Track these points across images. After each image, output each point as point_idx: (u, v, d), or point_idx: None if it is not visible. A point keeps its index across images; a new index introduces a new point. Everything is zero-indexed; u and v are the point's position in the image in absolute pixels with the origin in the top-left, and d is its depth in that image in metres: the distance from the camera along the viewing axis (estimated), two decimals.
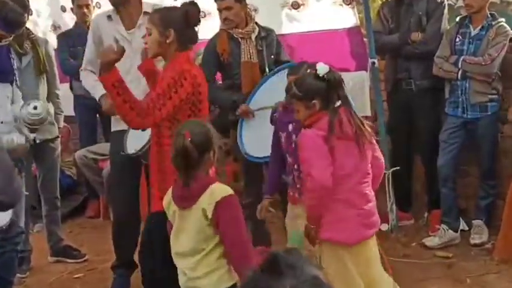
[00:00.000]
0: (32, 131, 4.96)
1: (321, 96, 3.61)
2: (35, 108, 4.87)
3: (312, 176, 3.53)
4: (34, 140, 5.07)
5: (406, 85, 6.01)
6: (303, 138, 3.67)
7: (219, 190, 3.22)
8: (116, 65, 3.74)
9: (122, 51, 3.77)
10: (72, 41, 6.89)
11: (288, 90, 3.78)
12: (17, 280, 4.76)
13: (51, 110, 5.62)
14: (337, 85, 3.66)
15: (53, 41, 6.71)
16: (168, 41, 3.88)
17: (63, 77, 6.40)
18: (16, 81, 5.04)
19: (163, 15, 3.93)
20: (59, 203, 5.96)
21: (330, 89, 3.62)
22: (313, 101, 3.61)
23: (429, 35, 5.88)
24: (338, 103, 3.63)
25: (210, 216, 3.15)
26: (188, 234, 3.27)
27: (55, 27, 7.55)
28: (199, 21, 4.04)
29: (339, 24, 6.06)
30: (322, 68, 3.64)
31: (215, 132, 3.37)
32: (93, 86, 4.88)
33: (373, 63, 5.88)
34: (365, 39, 6.01)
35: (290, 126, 4.29)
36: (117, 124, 4.86)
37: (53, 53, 5.88)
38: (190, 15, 3.93)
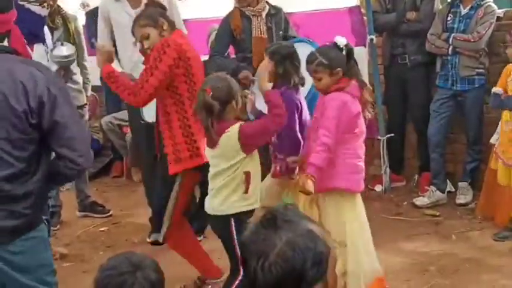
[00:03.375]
0: (65, 71, 5.06)
1: (342, 65, 3.69)
2: (62, 44, 4.95)
3: (331, 132, 3.58)
4: None
5: (401, 60, 5.96)
6: (332, 99, 3.67)
7: (236, 126, 3.42)
8: (126, 43, 3.91)
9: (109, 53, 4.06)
10: None
11: (312, 60, 3.74)
12: None
13: (80, 79, 5.60)
14: (353, 56, 3.77)
15: (81, 18, 6.66)
16: (164, 28, 3.97)
17: (91, 51, 6.35)
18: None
19: (148, 15, 4.02)
20: None
21: (349, 59, 3.73)
22: (338, 69, 3.67)
23: (423, 14, 5.84)
24: (359, 71, 3.80)
25: (230, 145, 3.41)
26: (214, 165, 3.54)
27: (84, 5, 7.49)
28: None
29: (340, 4, 6.01)
30: (341, 40, 3.73)
31: (236, 84, 3.53)
32: None
33: (372, 39, 5.90)
34: (364, 18, 5.96)
35: None
36: None
37: (81, 29, 5.85)
38: (157, 3, 4.21)
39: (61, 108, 2.57)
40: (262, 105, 4.95)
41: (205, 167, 3.71)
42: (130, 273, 2.07)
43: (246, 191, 3.51)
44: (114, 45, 5.02)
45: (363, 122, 3.76)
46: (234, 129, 3.42)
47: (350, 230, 3.73)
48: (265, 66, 3.89)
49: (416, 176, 6.26)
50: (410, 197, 5.89)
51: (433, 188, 5.75)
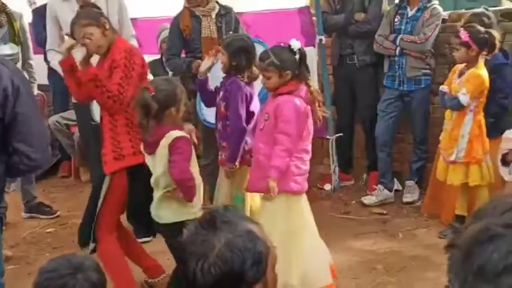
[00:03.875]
0: None
1: (293, 67, 3.71)
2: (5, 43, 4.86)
3: (291, 136, 3.64)
4: None
5: (349, 60, 6.02)
6: (286, 103, 3.69)
7: (174, 133, 3.41)
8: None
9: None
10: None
11: (264, 58, 3.76)
12: None
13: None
14: (305, 60, 3.80)
15: (28, 16, 6.53)
16: (107, 28, 3.89)
17: (37, 49, 6.23)
18: None
19: (89, 15, 3.93)
20: None
21: (301, 64, 3.75)
22: (287, 72, 3.69)
23: (371, 15, 5.90)
24: (309, 75, 3.82)
25: (165, 157, 3.41)
26: (156, 173, 3.53)
27: (31, 2, 7.35)
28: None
29: (290, 4, 6.03)
30: (295, 44, 3.75)
31: (182, 93, 3.50)
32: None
33: (321, 40, 5.93)
34: (314, 18, 5.99)
35: (220, 95, 4.27)
36: None
37: (27, 27, 5.74)
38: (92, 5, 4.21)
39: (23, 100, 2.53)
40: (210, 115, 4.99)
41: (139, 169, 3.72)
42: (70, 275, 2.04)
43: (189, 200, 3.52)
44: None
45: (311, 124, 3.81)
46: (168, 138, 3.42)
47: (295, 229, 3.77)
48: (208, 61, 4.00)
49: (364, 175, 6.33)
50: (359, 196, 5.95)
51: (380, 186, 5.82)
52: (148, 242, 4.67)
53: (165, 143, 3.42)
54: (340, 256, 4.62)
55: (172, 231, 3.47)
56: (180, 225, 3.40)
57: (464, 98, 4.67)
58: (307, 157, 3.85)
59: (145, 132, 3.47)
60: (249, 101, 4.15)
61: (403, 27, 5.68)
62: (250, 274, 1.45)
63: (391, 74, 5.75)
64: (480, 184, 4.82)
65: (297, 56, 3.73)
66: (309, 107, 3.75)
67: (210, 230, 1.46)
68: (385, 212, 5.60)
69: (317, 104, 3.78)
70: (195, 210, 3.51)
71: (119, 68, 3.81)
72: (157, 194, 3.58)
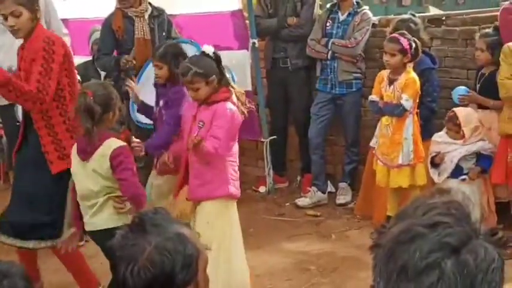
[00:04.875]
0: None
1: (215, 71, 3.70)
2: None
3: (219, 145, 3.62)
4: None
5: (282, 63, 6.07)
6: (224, 109, 3.68)
7: (113, 143, 3.38)
8: None
9: None
10: None
11: (186, 71, 3.71)
12: None
13: None
14: (221, 63, 3.78)
15: None
16: (38, 16, 3.79)
17: None
18: None
19: None
20: None
21: (219, 66, 3.74)
22: (212, 77, 3.66)
23: (303, 19, 5.96)
24: (230, 79, 3.83)
25: (105, 166, 3.36)
26: (88, 181, 3.46)
27: None
28: None
29: (223, 7, 6.03)
30: (208, 48, 3.75)
31: (117, 96, 3.50)
32: None
33: (254, 43, 5.96)
34: (247, 22, 6.02)
35: (161, 102, 4.26)
36: (3, 99, 4.66)
37: None
38: None
39: None
40: (147, 98, 4.95)
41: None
42: None
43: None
44: None
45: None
46: (107, 148, 3.38)
47: (227, 235, 3.78)
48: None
49: (298, 177, 6.38)
50: (293, 198, 6.00)
51: (314, 188, 5.88)
52: (81, 246, 4.60)
53: (103, 152, 3.38)
54: (273, 258, 4.66)
55: (108, 238, 3.41)
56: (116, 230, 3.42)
57: (407, 104, 4.78)
58: (237, 162, 3.89)
59: (91, 138, 3.38)
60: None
61: (334, 32, 5.77)
62: (181, 277, 1.45)
63: (323, 77, 5.83)
64: (413, 185, 4.92)
65: (213, 60, 3.73)
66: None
67: (139, 233, 1.46)
68: (318, 213, 5.66)
69: (240, 104, 3.79)
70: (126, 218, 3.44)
71: (37, 61, 3.69)
72: (91, 203, 3.50)
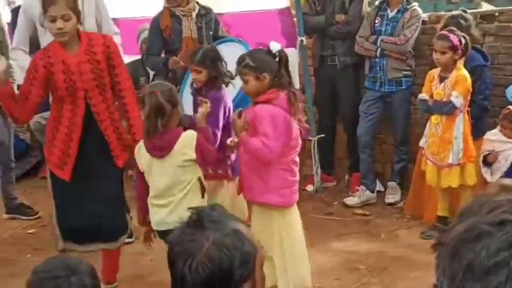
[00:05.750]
0: None
1: (271, 71, 3.60)
2: None
3: (269, 148, 3.51)
4: None
5: (330, 61, 6.03)
6: (262, 112, 3.58)
7: (189, 134, 3.55)
8: None
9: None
10: None
11: (240, 61, 3.70)
12: None
13: None
14: (286, 63, 3.68)
15: (6, 14, 6.48)
16: (80, 22, 3.89)
17: None
18: None
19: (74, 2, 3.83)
20: (14, 165, 5.85)
21: (280, 66, 3.63)
22: (264, 74, 3.58)
23: (351, 16, 5.92)
24: (290, 82, 3.70)
25: (193, 155, 3.52)
26: (165, 177, 3.58)
27: (9, 2, 7.28)
28: None
29: (271, 5, 6.04)
30: (274, 46, 3.66)
31: (176, 90, 3.67)
32: (24, 66, 4.73)
33: (302, 41, 5.93)
34: (294, 20, 6.00)
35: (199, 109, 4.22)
36: None
37: (5, 26, 5.68)
38: None
39: None
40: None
41: None
42: (64, 277, 2.02)
43: (203, 196, 3.59)
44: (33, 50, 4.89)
45: (297, 135, 3.69)
46: (189, 138, 3.51)
47: (279, 243, 3.69)
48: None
49: (346, 176, 6.34)
50: (341, 197, 5.97)
51: (363, 187, 5.84)
52: (131, 243, 4.66)
53: (183, 144, 3.53)
54: (322, 257, 4.64)
55: None
56: None
57: (457, 101, 4.72)
58: (294, 169, 3.75)
59: (165, 135, 3.52)
60: (228, 113, 4.14)
61: (383, 29, 5.71)
62: (239, 273, 1.45)
63: (372, 75, 5.79)
64: (464, 185, 4.85)
65: (277, 59, 3.63)
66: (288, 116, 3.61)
67: (197, 229, 1.46)
68: (367, 213, 5.62)
69: (294, 110, 3.62)
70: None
71: (119, 57, 3.96)
72: (171, 199, 3.61)
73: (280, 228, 3.71)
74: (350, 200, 5.83)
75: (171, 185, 3.57)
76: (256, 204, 3.77)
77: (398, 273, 4.46)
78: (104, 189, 3.96)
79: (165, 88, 3.57)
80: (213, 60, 4.16)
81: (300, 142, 3.78)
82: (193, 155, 3.54)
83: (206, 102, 3.81)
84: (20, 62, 4.87)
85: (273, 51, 3.64)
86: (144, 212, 3.76)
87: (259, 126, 3.56)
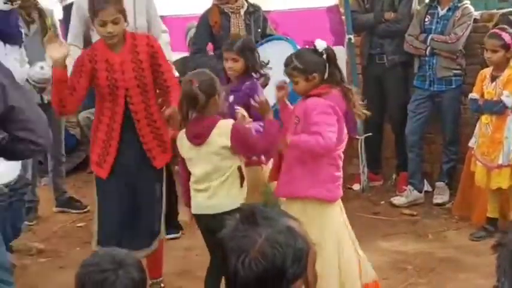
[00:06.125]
0: (40, 90, 4.90)
1: (320, 70, 3.57)
2: (42, 68, 4.78)
3: (323, 137, 3.42)
4: (42, 100, 5.03)
5: (379, 60, 5.98)
6: (314, 104, 3.52)
7: (226, 123, 3.54)
8: None
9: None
10: None
11: (288, 63, 3.65)
12: (25, 227, 4.74)
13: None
14: (334, 60, 3.64)
15: (58, 11, 6.58)
16: (125, 25, 3.90)
17: None
18: (24, 46, 4.90)
19: (120, 2, 3.85)
20: (64, 159, 5.95)
21: (329, 64, 3.59)
22: (314, 74, 3.56)
23: (401, 14, 5.86)
24: (341, 78, 3.67)
25: (228, 143, 3.51)
26: (203, 164, 3.59)
27: None
28: None
29: (319, 3, 6.02)
30: (320, 44, 3.61)
31: (218, 80, 3.63)
32: None
33: (350, 39, 5.91)
34: (343, 17, 5.97)
35: (231, 98, 4.12)
36: None
37: (58, 23, 5.78)
38: None
39: (12, 94, 2.56)
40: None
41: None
42: (112, 270, 2.04)
43: (241, 185, 3.58)
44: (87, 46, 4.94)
45: (344, 131, 3.64)
46: (225, 126, 3.51)
47: (327, 237, 3.59)
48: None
49: (394, 176, 6.28)
50: (388, 196, 5.92)
51: (410, 187, 5.77)
52: (177, 238, 4.70)
53: (218, 132, 3.52)
54: (369, 256, 4.56)
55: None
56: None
57: (508, 100, 4.65)
58: (339, 164, 3.68)
59: (186, 124, 3.57)
60: None
61: (433, 27, 5.64)
62: (291, 271, 1.44)
63: (421, 74, 5.71)
64: None
65: (324, 57, 3.57)
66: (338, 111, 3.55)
67: (250, 225, 1.46)
68: (415, 213, 5.55)
69: (352, 105, 3.62)
70: (244, 195, 3.61)
71: (163, 57, 3.98)
72: (208, 185, 3.61)
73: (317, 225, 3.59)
74: (397, 200, 5.77)
75: (209, 171, 3.59)
76: (295, 199, 3.64)
77: (446, 274, 4.40)
78: (140, 193, 4.01)
79: (205, 77, 3.55)
80: (252, 51, 4.17)
81: (347, 138, 3.73)
82: (229, 143, 3.52)
83: (243, 115, 3.76)
84: (74, 57, 4.93)
85: (319, 50, 3.59)
86: (187, 196, 3.80)
87: (311, 116, 3.48)
